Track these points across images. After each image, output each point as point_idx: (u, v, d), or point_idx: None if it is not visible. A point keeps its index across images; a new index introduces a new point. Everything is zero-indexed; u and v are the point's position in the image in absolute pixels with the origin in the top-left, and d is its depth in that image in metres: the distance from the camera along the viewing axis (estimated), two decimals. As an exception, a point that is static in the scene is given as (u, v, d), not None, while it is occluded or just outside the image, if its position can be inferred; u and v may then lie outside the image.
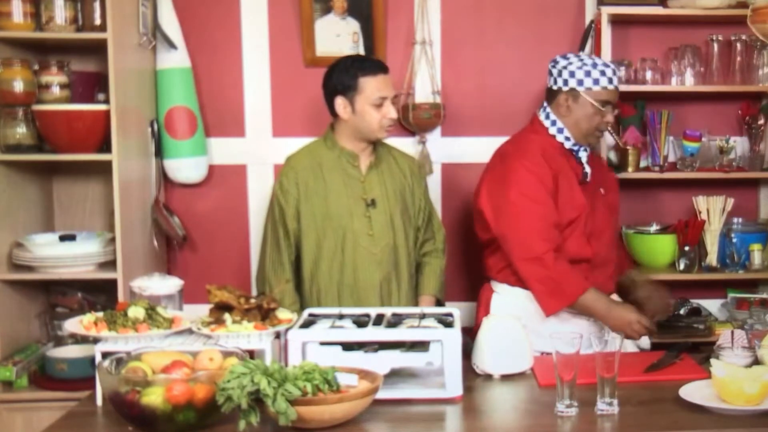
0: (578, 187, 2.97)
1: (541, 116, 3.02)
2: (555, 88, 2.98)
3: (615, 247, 3.15)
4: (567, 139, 2.98)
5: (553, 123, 2.99)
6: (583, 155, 3.02)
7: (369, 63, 3.09)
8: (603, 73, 2.92)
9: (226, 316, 2.37)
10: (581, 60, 2.95)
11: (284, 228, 3.09)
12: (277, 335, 2.40)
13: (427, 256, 3.28)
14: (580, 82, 2.92)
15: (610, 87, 2.94)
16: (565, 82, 2.94)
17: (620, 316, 2.85)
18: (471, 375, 2.54)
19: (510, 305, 2.96)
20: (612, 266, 3.07)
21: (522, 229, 2.87)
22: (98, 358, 2.29)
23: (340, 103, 3.05)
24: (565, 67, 2.95)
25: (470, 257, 3.77)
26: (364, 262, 3.09)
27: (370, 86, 3.02)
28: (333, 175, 3.09)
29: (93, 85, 3.59)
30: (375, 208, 3.10)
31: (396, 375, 2.37)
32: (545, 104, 3.03)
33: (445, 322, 2.46)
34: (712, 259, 3.79)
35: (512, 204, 2.89)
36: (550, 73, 3.00)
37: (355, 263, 3.08)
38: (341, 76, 3.04)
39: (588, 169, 3.02)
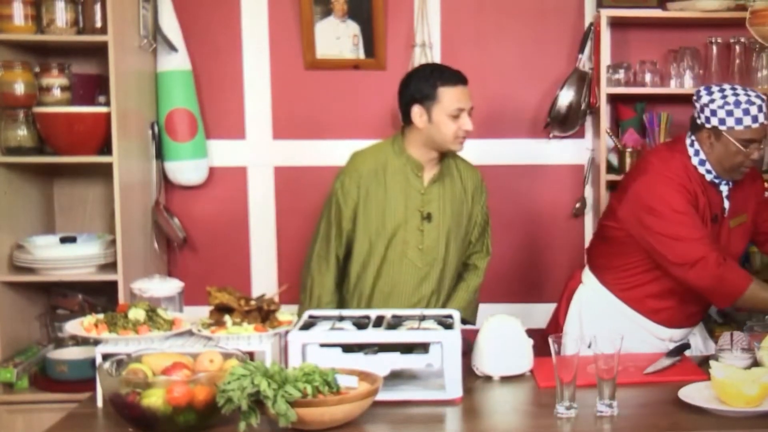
0: (709, 223, 2.82)
1: (687, 142, 2.86)
2: (698, 122, 2.82)
3: None
4: (708, 171, 2.83)
5: (696, 153, 2.83)
6: (725, 189, 2.87)
7: (449, 73, 3.00)
8: (747, 111, 2.72)
9: (227, 317, 2.37)
10: (724, 97, 2.75)
11: (338, 227, 3.04)
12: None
13: (467, 271, 3.20)
14: (722, 122, 2.74)
15: (755, 126, 2.74)
16: (707, 120, 2.77)
17: None
18: (471, 376, 2.54)
19: (594, 301, 2.96)
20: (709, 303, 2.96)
21: (680, 235, 2.75)
22: (99, 359, 2.29)
23: (416, 111, 2.96)
24: (706, 105, 2.77)
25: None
26: (408, 274, 3.03)
27: (449, 97, 2.94)
28: (394, 181, 3.02)
29: (93, 88, 3.59)
30: (429, 223, 3.03)
31: (396, 376, 2.37)
32: (691, 133, 2.87)
33: (445, 323, 2.47)
34: (712, 261, 3.78)
35: (666, 210, 2.77)
36: (694, 105, 2.85)
37: (399, 274, 3.03)
38: (420, 85, 2.96)
39: (727, 204, 2.88)
